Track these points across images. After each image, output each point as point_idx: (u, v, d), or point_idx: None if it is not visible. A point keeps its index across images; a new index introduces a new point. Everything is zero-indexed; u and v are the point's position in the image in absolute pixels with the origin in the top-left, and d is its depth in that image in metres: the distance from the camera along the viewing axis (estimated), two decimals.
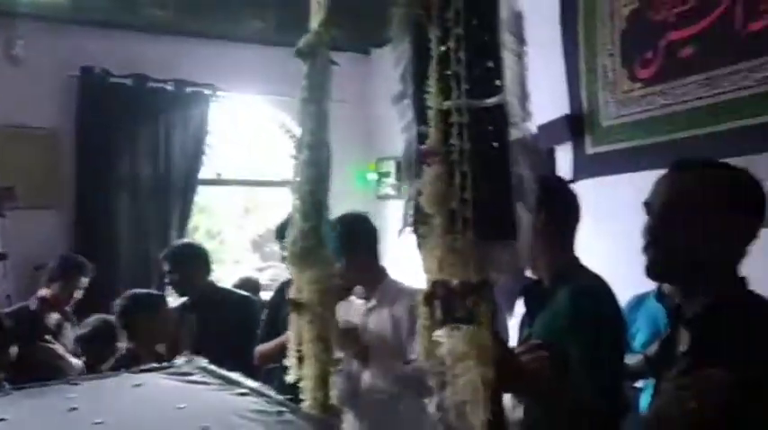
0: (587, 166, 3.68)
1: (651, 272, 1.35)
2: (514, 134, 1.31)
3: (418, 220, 1.32)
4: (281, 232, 2.79)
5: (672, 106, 3.20)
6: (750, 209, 1.33)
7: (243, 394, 1.75)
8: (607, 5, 3.54)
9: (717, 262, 1.32)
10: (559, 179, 2.21)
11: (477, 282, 1.24)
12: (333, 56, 1.89)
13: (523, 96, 1.30)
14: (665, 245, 1.32)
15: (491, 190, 1.28)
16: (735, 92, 2.92)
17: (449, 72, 1.29)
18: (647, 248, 1.35)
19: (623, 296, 2.84)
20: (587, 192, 3.42)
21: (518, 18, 1.29)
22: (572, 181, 3.77)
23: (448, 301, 1.25)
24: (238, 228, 10.12)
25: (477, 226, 1.25)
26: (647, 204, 1.38)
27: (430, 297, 1.27)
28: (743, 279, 1.34)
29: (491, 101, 1.29)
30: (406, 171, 1.45)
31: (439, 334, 1.26)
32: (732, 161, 1.96)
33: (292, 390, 1.85)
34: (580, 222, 1.93)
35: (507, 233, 1.27)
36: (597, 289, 1.79)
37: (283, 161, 5.55)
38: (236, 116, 5.60)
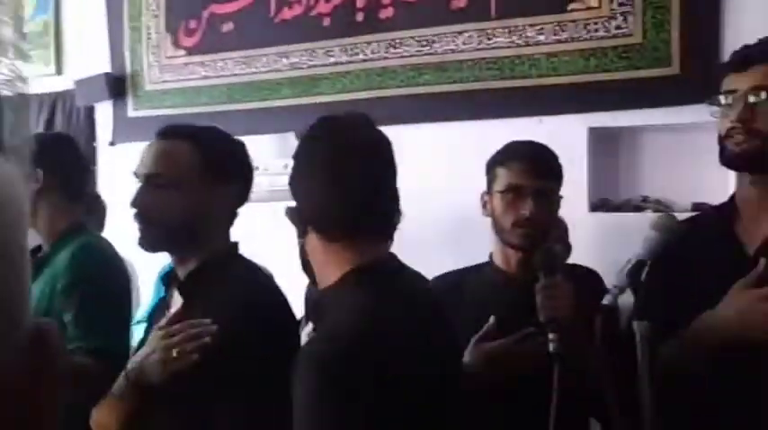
0: (128, 130, 3.56)
1: (142, 243, 1.34)
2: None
3: None
4: None
5: (212, 78, 3.32)
6: (233, 176, 1.39)
7: None
8: None
9: (206, 227, 1.35)
10: (59, 136, 2.08)
11: None
12: None
13: (16, 49, 1.15)
14: (152, 215, 1.32)
15: None
16: (268, 73, 3.17)
17: None
18: (136, 219, 1.33)
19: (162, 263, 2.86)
20: (128, 156, 3.35)
21: None
22: (112, 143, 3.61)
23: None
24: None
25: None
26: (135, 174, 1.35)
27: None
28: (235, 243, 1.42)
29: None
30: None
31: None
32: (263, 138, 2.12)
33: None
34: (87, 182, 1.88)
35: None
36: (98, 248, 1.75)
37: None
38: None
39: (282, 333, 1.30)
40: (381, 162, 1.14)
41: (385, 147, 1.15)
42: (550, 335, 1.41)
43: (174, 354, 1.22)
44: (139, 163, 1.35)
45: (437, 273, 1.80)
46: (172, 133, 1.38)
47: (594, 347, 1.14)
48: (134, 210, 1.33)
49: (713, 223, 1.42)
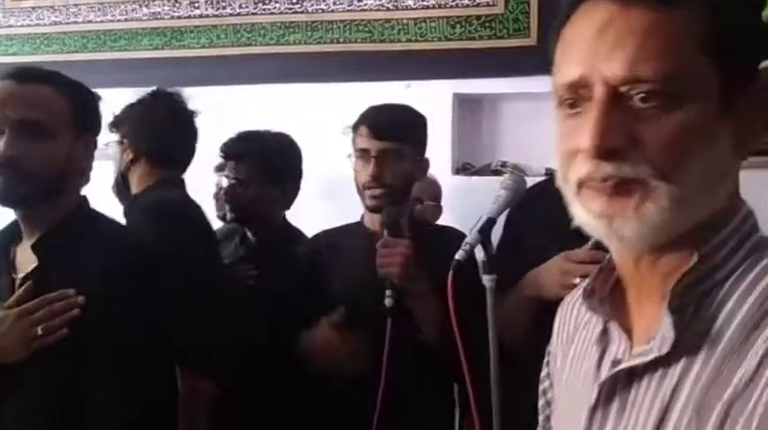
0: None
1: (6, 197, 1.25)
2: None
3: None
4: None
5: (63, 25, 3.08)
6: (93, 126, 1.35)
7: None
8: None
9: (69, 182, 1.30)
10: None
11: None
12: None
13: None
14: (28, 166, 1.23)
15: None
16: (126, 22, 2.99)
17: None
18: (3, 170, 1.23)
19: None
20: None
21: None
22: None
23: None
24: None
25: None
26: None
27: None
28: (85, 197, 1.37)
29: None
30: None
31: None
32: (124, 91, 2.01)
33: None
34: None
35: None
36: None
37: None
38: None
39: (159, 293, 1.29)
40: (193, 122, 1.81)
41: (192, 114, 1.81)
42: (387, 291, 1.49)
43: (39, 332, 1.16)
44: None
45: (316, 230, 1.84)
46: (31, 76, 1.26)
47: (445, 303, 1.20)
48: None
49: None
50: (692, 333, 0.61)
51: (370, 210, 1.64)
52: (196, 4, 2.90)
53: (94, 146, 1.35)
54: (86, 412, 1.16)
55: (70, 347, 1.17)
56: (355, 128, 1.64)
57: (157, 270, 1.33)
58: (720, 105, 0.61)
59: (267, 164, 1.90)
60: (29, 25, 3.14)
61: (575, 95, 0.64)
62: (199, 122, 1.85)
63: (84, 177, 1.35)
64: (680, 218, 0.61)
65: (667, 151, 0.60)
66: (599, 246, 1.29)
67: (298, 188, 2.00)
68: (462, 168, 2.72)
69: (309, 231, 1.91)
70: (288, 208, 2.01)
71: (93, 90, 1.41)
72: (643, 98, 0.60)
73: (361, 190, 1.63)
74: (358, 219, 1.74)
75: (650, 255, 0.66)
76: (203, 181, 2.20)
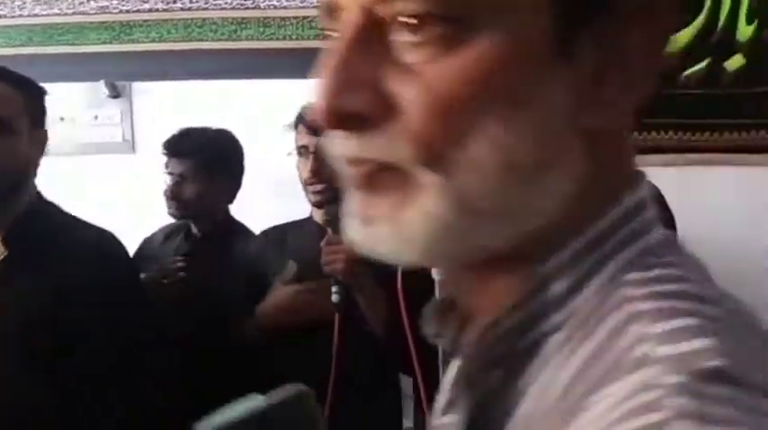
0: None
1: None
2: None
3: None
4: None
5: (8, 18, 3.00)
6: (44, 120, 1.35)
7: None
8: None
9: (25, 177, 1.31)
10: None
11: None
12: None
13: None
14: None
15: None
16: (73, 15, 2.93)
17: None
18: None
19: None
20: None
21: None
22: None
23: None
24: None
25: None
26: None
27: None
28: (39, 191, 1.38)
29: None
30: None
31: None
32: (70, 86, 1.99)
33: None
34: None
35: None
36: None
37: None
38: None
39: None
40: None
41: None
42: (333, 288, 1.52)
43: None
44: None
45: (267, 226, 1.86)
46: None
47: (394, 296, 1.23)
48: None
49: None
50: (508, 401, 0.38)
51: (314, 205, 1.68)
52: None
53: (46, 139, 1.34)
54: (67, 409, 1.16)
55: (42, 347, 1.16)
56: (295, 125, 1.69)
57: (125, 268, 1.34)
58: (554, 45, 0.35)
59: (208, 160, 1.94)
60: None
61: (333, 25, 0.42)
62: (151, 118, 1.84)
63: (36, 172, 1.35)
64: (467, 229, 0.36)
65: (440, 120, 0.34)
66: None
67: (239, 183, 2.03)
68: None
69: (260, 228, 1.92)
70: (230, 202, 2.03)
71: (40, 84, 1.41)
72: (412, 28, 0.35)
73: (304, 186, 1.67)
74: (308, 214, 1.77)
75: (469, 272, 0.41)
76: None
